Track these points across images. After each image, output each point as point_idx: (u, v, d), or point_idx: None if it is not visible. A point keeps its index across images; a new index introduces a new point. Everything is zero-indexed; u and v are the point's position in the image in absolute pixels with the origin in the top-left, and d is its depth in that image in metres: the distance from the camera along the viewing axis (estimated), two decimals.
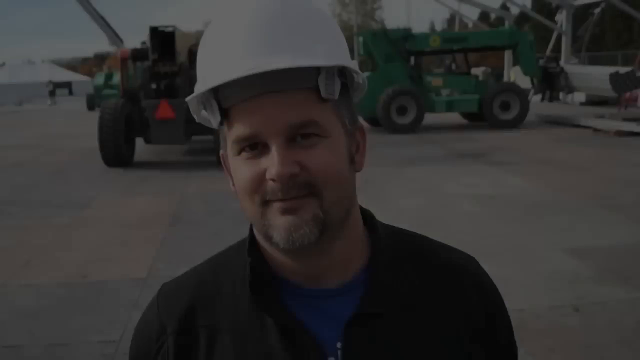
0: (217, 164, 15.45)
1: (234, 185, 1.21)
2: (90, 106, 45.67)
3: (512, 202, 10.88)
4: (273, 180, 1.10)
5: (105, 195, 12.87)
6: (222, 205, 10.97)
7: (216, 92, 1.14)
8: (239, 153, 1.15)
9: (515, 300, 6.09)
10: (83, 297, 6.91)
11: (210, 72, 1.14)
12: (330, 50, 1.14)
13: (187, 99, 1.17)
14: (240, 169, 1.15)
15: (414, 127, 23.01)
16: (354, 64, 1.18)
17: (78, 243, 9.12)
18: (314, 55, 1.11)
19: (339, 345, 1.18)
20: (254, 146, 1.13)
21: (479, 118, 24.55)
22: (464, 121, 26.37)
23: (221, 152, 1.26)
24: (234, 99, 1.12)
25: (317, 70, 1.11)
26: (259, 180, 1.12)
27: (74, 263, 8.11)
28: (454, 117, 26.65)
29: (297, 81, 1.10)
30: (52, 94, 62.62)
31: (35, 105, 61.04)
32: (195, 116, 1.26)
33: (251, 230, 1.28)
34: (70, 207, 11.70)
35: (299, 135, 1.11)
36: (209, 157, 17.16)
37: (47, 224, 10.31)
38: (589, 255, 7.80)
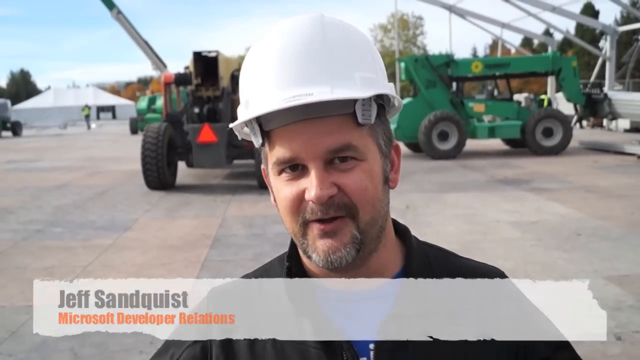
0: (259, 187, 15.58)
1: (275, 200, 1.27)
2: (134, 130, 46.31)
3: (554, 228, 10.74)
4: (312, 201, 1.16)
5: (147, 217, 12.99)
6: (262, 229, 11.03)
7: (258, 116, 1.19)
8: (280, 174, 1.21)
9: None
10: None
11: (253, 99, 1.19)
12: (368, 77, 1.19)
13: (232, 125, 1.25)
14: (282, 189, 1.21)
15: (456, 153, 22.91)
16: (390, 88, 1.24)
17: (120, 264, 9.19)
18: (352, 85, 1.16)
19: (371, 346, 1.24)
20: (294, 167, 1.19)
21: (521, 144, 24.35)
22: (506, 147, 26.17)
23: (262, 166, 1.32)
24: (275, 124, 1.18)
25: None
26: (299, 201, 1.19)
27: None
28: (496, 144, 26.50)
29: (336, 108, 1.16)
30: (88, 117, 62.98)
31: (79, 128, 62.06)
32: (237, 134, 1.33)
33: (292, 239, 1.32)
34: (112, 228, 11.83)
35: (337, 158, 1.17)
36: (250, 181, 17.30)
37: (89, 245, 10.42)
38: (631, 283, 7.66)
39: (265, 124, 1.19)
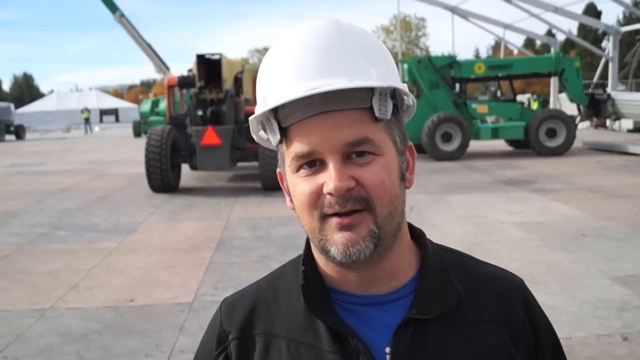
0: (263, 189, 15.61)
1: (291, 201, 1.28)
2: (137, 133, 46.37)
3: (558, 229, 10.72)
4: (330, 194, 1.16)
5: (151, 220, 13.00)
6: (266, 231, 11.02)
7: (276, 113, 1.21)
8: (297, 170, 1.22)
9: (562, 329, 6.01)
10: (130, 321, 6.95)
11: (272, 93, 1.19)
12: (382, 74, 1.21)
13: (250, 118, 1.24)
14: (300, 185, 1.21)
15: (459, 154, 22.95)
16: (404, 86, 1.25)
17: (125, 267, 9.19)
18: (368, 77, 1.18)
19: (387, 350, 1.23)
20: (312, 163, 1.19)
21: (525, 145, 24.37)
22: (509, 148, 26.20)
23: (278, 170, 1.33)
24: (293, 118, 1.19)
25: (371, 91, 1.18)
26: (317, 195, 1.18)
27: (120, 287, 8.18)
28: (499, 145, 26.49)
29: (353, 102, 1.17)
30: (87, 121, 62.74)
31: (83, 131, 62.08)
32: (254, 136, 1.34)
33: (307, 242, 1.35)
34: (116, 231, 11.83)
35: (354, 153, 1.18)
36: (254, 183, 17.31)
37: (94, 248, 10.42)
38: (637, 283, 7.64)
39: (283, 120, 1.20)
